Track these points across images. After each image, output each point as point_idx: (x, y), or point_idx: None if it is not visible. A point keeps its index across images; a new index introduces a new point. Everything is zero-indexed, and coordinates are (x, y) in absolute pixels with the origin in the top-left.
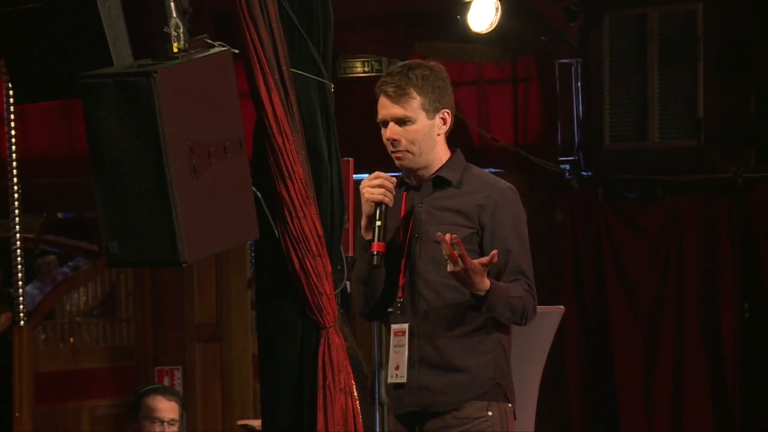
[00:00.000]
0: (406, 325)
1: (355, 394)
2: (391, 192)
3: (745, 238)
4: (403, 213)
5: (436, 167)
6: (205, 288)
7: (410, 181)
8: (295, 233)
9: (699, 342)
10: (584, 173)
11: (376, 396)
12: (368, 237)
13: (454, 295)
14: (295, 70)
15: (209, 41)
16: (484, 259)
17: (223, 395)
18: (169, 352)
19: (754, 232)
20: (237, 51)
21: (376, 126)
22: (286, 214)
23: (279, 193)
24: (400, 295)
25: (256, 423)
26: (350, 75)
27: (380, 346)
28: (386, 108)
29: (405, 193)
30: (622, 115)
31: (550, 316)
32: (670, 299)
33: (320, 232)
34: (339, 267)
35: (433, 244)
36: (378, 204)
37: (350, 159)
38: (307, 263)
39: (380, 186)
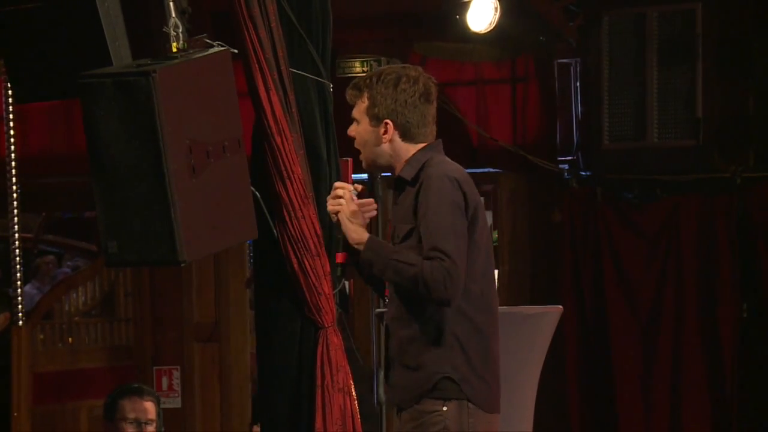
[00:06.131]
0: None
1: (354, 393)
2: (351, 201)
3: (743, 237)
4: None
5: (400, 168)
6: (204, 288)
7: None
8: (293, 233)
9: (698, 341)
10: (583, 173)
11: (376, 396)
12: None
13: (405, 294)
14: (294, 70)
15: (208, 41)
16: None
17: (222, 395)
18: (167, 351)
19: (753, 232)
20: (236, 51)
21: None
22: (285, 214)
23: (278, 192)
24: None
25: None
26: (349, 75)
27: (380, 346)
28: None
29: None
30: (621, 115)
31: (549, 316)
32: (668, 299)
33: (319, 232)
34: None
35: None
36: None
37: (349, 159)
38: (306, 263)
39: (337, 197)
